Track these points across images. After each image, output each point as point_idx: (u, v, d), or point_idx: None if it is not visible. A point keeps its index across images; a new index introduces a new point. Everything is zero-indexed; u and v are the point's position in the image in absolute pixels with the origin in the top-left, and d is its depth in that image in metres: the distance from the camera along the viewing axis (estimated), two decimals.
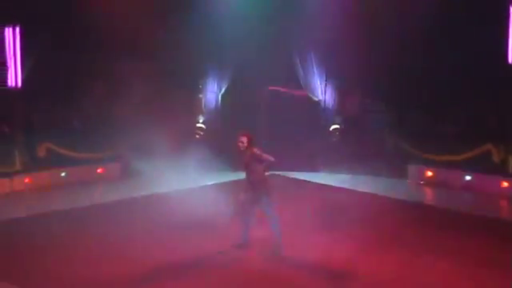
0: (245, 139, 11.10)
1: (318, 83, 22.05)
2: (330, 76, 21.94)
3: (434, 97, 19.92)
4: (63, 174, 19.57)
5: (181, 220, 13.74)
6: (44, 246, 12.12)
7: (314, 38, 21.35)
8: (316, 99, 22.22)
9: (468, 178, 18.71)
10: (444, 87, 19.52)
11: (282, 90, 21.76)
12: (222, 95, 22.55)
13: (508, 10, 18.15)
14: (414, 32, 18.97)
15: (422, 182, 19.68)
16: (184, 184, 18.19)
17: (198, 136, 21.95)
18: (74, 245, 12.18)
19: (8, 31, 19.09)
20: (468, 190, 18.29)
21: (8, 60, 19.15)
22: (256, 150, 11.03)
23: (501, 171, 18.17)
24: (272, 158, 10.99)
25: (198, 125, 22.04)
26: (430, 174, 19.71)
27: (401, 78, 19.84)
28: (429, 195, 18.82)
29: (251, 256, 11.37)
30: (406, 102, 20.18)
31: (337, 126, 21.78)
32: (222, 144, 20.62)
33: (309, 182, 19.83)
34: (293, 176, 20.56)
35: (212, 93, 22.48)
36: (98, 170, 20.42)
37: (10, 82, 19.21)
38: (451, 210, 15.86)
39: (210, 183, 19.17)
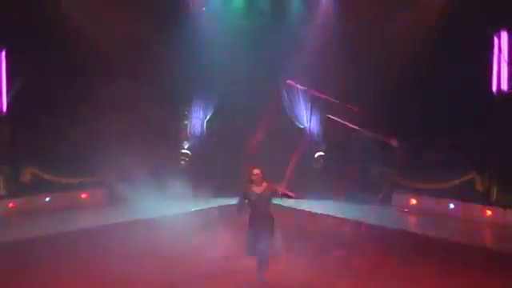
0: (259, 172, 10.95)
1: (304, 110, 22.15)
2: (315, 103, 21.99)
3: (420, 125, 19.98)
4: (47, 199, 19.50)
5: (164, 247, 13.69)
6: (24, 272, 12.02)
7: (300, 64, 21.46)
8: (301, 126, 22.27)
9: (452, 206, 18.77)
10: (429, 115, 19.60)
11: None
12: (208, 121, 22.56)
13: (493, 38, 18.33)
14: (400, 59, 19.05)
15: (406, 210, 19.70)
16: (168, 210, 18.10)
17: (182, 162, 21.96)
18: (54, 271, 12.07)
19: None
20: (452, 218, 18.30)
21: None
22: (278, 187, 11.13)
23: (484, 200, 18.26)
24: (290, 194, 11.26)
25: (183, 151, 22.06)
26: (414, 201, 19.75)
27: (386, 106, 19.90)
28: (413, 223, 18.83)
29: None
30: (392, 129, 20.20)
31: (321, 153, 21.85)
32: (206, 170, 20.72)
33: (293, 208, 19.77)
34: (276, 203, 20.47)
35: (197, 119, 22.50)
36: (83, 196, 20.38)
37: None
38: (435, 238, 15.86)
39: (194, 209, 19.12)
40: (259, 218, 10.93)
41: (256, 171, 10.97)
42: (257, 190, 10.94)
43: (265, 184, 10.97)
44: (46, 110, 19.31)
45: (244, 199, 11.06)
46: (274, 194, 11.03)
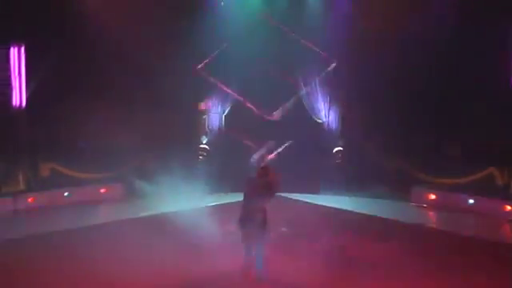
0: (261, 171, 11.27)
1: (322, 105, 22.03)
2: (333, 99, 21.90)
3: (438, 120, 19.86)
4: (66, 194, 19.60)
5: (180, 242, 13.86)
6: (40, 268, 12.20)
7: (319, 60, 21.38)
8: (320, 121, 22.16)
9: (471, 201, 18.65)
10: (448, 110, 19.48)
11: None
12: (226, 116, 22.50)
13: (510, 34, 18.15)
14: (417, 56, 18.97)
15: (425, 205, 19.59)
16: (186, 205, 18.08)
17: (201, 157, 21.94)
18: (71, 267, 12.19)
19: (13, 51, 19.17)
20: (471, 214, 18.17)
21: (13, 79, 19.22)
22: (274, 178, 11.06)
23: (504, 195, 18.12)
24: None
25: (202, 146, 22.03)
26: (433, 197, 19.64)
27: (405, 102, 19.77)
28: (432, 218, 18.70)
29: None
30: (410, 125, 20.06)
31: (340, 148, 21.73)
32: (224, 165, 20.71)
33: (311, 203, 19.77)
34: (295, 198, 20.52)
35: (215, 114, 22.45)
36: (102, 191, 20.43)
37: (15, 101, 19.28)
38: (454, 233, 15.77)
39: (211, 204, 19.12)
40: (248, 215, 10.94)
41: (261, 168, 11.46)
42: (254, 185, 11.11)
43: (260, 180, 11.10)
44: (65, 105, 19.31)
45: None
46: (269, 188, 10.97)
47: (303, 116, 21.85)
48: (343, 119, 21.93)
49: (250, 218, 10.85)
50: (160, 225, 16.10)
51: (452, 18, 18.43)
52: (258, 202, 10.89)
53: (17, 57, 19.19)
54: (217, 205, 19.24)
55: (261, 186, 10.94)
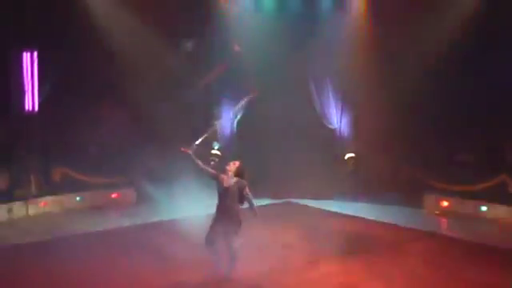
0: (235, 165, 11.16)
1: (334, 111, 21.95)
2: (345, 104, 21.80)
3: (450, 126, 19.74)
4: (78, 199, 19.69)
5: (188, 248, 13.75)
6: (57, 270, 12.25)
7: (331, 65, 21.27)
8: (332, 127, 22.09)
9: (484, 208, 18.55)
10: (460, 116, 19.37)
11: None
12: (238, 122, 22.48)
13: None
14: (429, 59, 18.90)
15: (437, 212, 19.49)
16: (198, 211, 18.06)
17: (212, 162, 21.90)
18: (80, 272, 12.16)
19: (26, 56, 19.24)
20: (484, 221, 18.07)
21: (25, 84, 19.29)
22: (246, 183, 11.03)
23: None
24: (254, 203, 11.18)
25: (213, 151, 21.99)
26: (445, 203, 19.53)
27: (417, 107, 19.68)
28: (445, 225, 18.57)
29: None
30: (422, 130, 19.97)
31: (352, 155, 21.62)
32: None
33: (322, 209, 19.71)
34: (306, 204, 20.49)
35: (227, 119, 22.43)
36: (113, 195, 20.48)
37: (27, 106, 19.35)
38: (468, 240, 15.68)
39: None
40: (224, 214, 10.92)
41: (233, 163, 11.17)
42: (225, 183, 10.95)
43: (235, 179, 10.96)
44: (77, 110, 19.36)
45: (211, 176, 11.20)
46: (242, 191, 10.94)
47: (314, 121, 21.82)
48: (355, 125, 21.82)
49: (224, 218, 10.98)
50: (168, 230, 16.31)
51: (473, 25, 18.32)
52: (232, 202, 10.96)
53: (29, 61, 19.26)
54: None
55: (234, 187, 10.95)
